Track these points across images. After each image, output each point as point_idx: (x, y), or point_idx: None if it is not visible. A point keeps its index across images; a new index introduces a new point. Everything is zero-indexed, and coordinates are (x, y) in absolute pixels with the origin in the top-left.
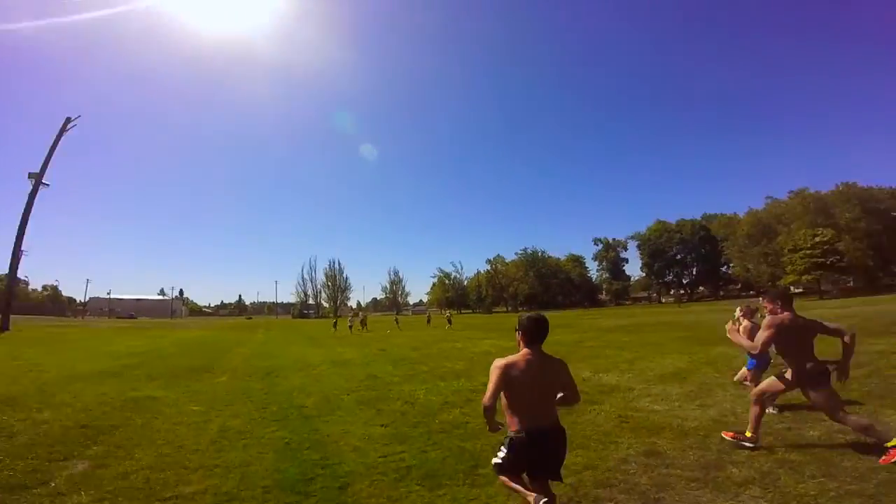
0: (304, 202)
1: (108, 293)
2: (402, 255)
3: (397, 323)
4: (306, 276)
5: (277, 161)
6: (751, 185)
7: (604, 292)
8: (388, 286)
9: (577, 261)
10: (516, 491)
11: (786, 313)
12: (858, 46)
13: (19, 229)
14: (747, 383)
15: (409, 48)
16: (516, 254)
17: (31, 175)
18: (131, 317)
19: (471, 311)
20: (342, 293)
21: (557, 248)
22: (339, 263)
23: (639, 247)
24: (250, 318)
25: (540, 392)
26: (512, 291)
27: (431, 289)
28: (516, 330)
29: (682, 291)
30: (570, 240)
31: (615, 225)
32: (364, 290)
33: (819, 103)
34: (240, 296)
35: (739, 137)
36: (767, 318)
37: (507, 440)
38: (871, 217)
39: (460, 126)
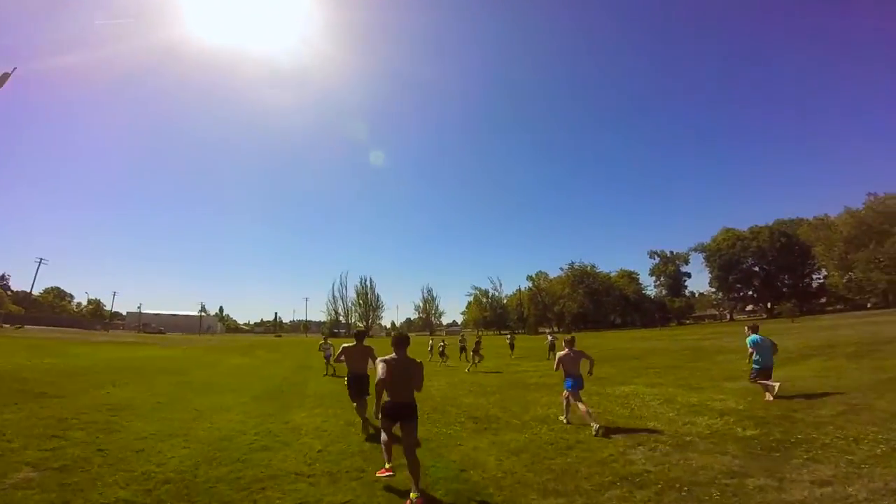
0: (338, 218)
1: (139, 307)
2: (436, 273)
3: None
4: (337, 293)
5: (313, 178)
6: (817, 190)
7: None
8: (420, 305)
9: (630, 276)
10: (357, 409)
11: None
12: None
13: None
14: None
15: (442, 58)
16: (561, 269)
17: None
18: (160, 332)
19: (509, 332)
20: (374, 311)
21: (604, 264)
22: (371, 281)
23: (706, 259)
24: (280, 337)
25: (360, 358)
26: (558, 310)
27: (467, 308)
28: (356, 335)
29: (751, 307)
30: (615, 255)
31: (663, 237)
32: (398, 309)
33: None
34: (276, 314)
35: (796, 139)
36: None
37: (346, 377)
38: None
39: (498, 137)
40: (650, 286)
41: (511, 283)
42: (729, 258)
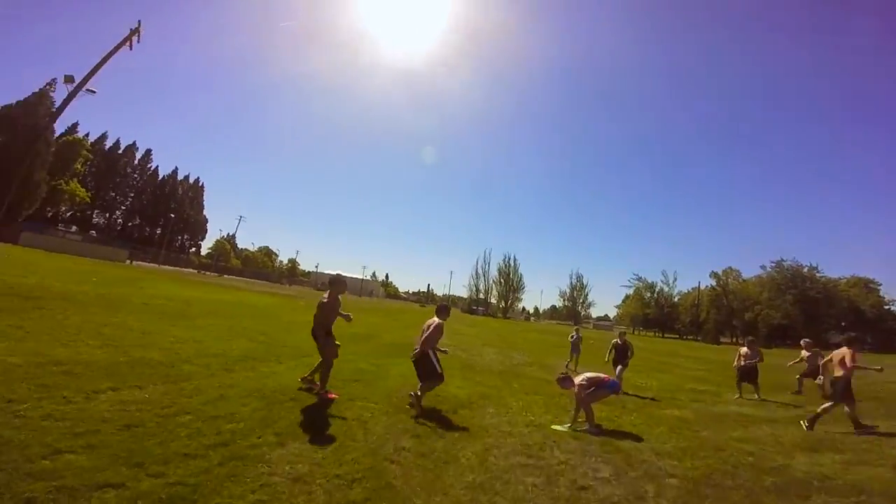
0: (490, 197)
1: (316, 266)
2: (591, 260)
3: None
4: (479, 270)
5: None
6: None
7: None
8: (567, 291)
9: (868, 286)
10: None
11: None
12: None
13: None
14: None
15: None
16: (762, 268)
17: (66, 78)
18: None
19: (678, 336)
20: (514, 293)
21: (827, 268)
22: (515, 260)
23: None
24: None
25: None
26: (749, 318)
27: (624, 301)
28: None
29: None
30: (844, 258)
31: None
32: (542, 294)
33: None
34: (428, 285)
35: None
36: None
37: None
38: None
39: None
40: None
41: (687, 279)
42: None
